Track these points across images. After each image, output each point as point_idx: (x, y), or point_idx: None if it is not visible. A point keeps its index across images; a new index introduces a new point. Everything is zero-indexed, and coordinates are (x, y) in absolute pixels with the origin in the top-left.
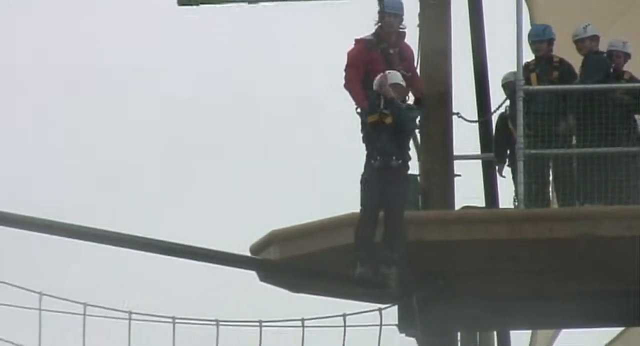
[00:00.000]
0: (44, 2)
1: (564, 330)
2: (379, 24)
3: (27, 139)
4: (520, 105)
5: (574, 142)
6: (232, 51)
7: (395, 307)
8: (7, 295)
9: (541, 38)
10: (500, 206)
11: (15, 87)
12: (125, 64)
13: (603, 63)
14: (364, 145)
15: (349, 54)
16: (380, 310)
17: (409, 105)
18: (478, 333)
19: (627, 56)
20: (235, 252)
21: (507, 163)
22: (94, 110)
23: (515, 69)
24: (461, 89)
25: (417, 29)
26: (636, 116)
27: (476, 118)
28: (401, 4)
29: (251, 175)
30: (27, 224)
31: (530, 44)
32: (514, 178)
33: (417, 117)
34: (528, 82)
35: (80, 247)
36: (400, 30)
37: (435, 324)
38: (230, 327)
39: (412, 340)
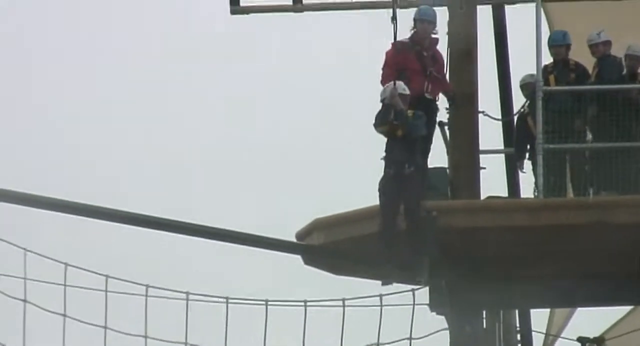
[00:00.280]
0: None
1: (579, 308)
2: (415, 29)
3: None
4: (539, 104)
5: (589, 137)
6: (281, 55)
7: (427, 288)
8: (34, 265)
9: (560, 43)
10: (522, 196)
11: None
12: (189, 67)
13: (618, 66)
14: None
15: (386, 54)
16: (413, 290)
17: (415, 113)
18: (501, 312)
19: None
20: (283, 238)
21: (527, 157)
22: (163, 107)
23: (533, 71)
24: (486, 90)
25: (447, 35)
26: None
27: (500, 117)
28: (434, 12)
29: (298, 168)
30: (76, 209)
31: (550, 48)
32: (534, 170)
33: (424, 123)
34: (547, 83)
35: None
36: (433, 36)
37: (463, 303)
38: (278, 307)
39: (442, 318)
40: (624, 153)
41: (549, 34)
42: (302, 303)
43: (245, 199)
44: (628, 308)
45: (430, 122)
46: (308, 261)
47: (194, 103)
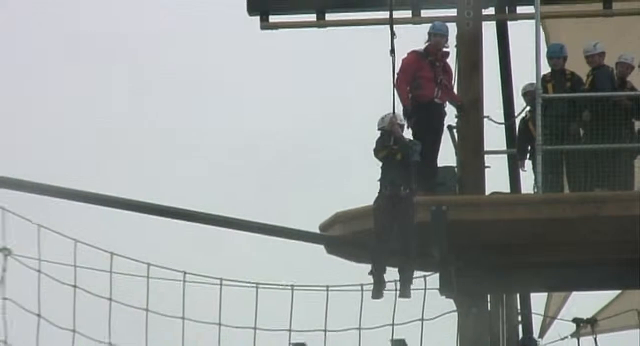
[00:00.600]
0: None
1: (574, 292)
2: (429, 42)
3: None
4: (538, 109)
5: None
6: (309, 69)
7: (437, 275)
8: (83, 253)
9: (558, 55)
10: (523, 192)
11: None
12: (226, 78)
13: (610, 74)
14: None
15: (402, 60)
16: (424, 276)
17: (411, 140)
18: (504, 296)
19: (631, 68)
20: (307, 229)
21: (528, 157)
22: (203, 112)
23: (533, 81)
24: (491, 97)
25: (455, 48)
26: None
27: (503, 121)
28: (447, 27)
29: (322, 167)
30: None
31: (548, 60)
32: (534, 169)
33: (419, 150)
34: (545, 91)
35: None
36: (445, 49)
37: (469, 288)
38: (303, 291)
39: (450, 301)
40: (614, 153)
41: (547, 46)
42: (325, 288)
43: (275, 195)
44: (618, 291)
45: (439, 125)
46: (330, 250)
47: (230, 107)
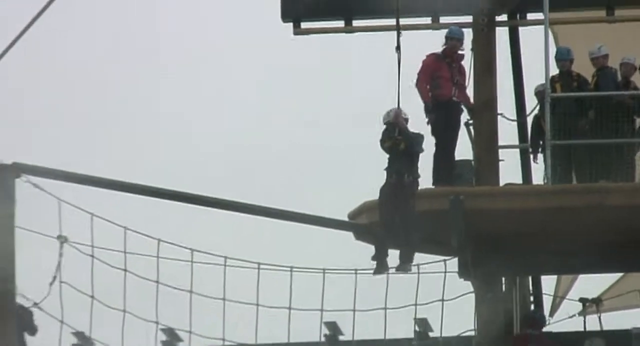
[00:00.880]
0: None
1: (581, 275)
2: (446, 45)
3: None
4: (548, 108)
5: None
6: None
7: (455, 259)
8: (132, 240)
9: (566, 58)
10: (534, 183)
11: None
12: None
13: (613, 75)
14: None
15: (423, 62)
16: (444, 261)
17: (416, 133)
18: (517, 278)
19: (634, 68)
20: (337, 218)
21: (539, 151)
22: (245, 110)
23: (543, 81)
24: (504, 96)
25: (471, 51)
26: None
27: (515, 118)
28: (462, 32)
29: (351, 161)
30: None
31: (557, 62)
32: (544, 162)
33: (423, 141)
34: (554, 90)
35: None
36: (460, 52)
37: (486, 271)
38: (334, 274)
39: (468, 283)
40: (617, 148)
41: (555, 50)
42: (353, 272)
43: (308, 186)
44: (621, 274)
45: (457, 121)
46: (358, 236)
47: (264, 104)
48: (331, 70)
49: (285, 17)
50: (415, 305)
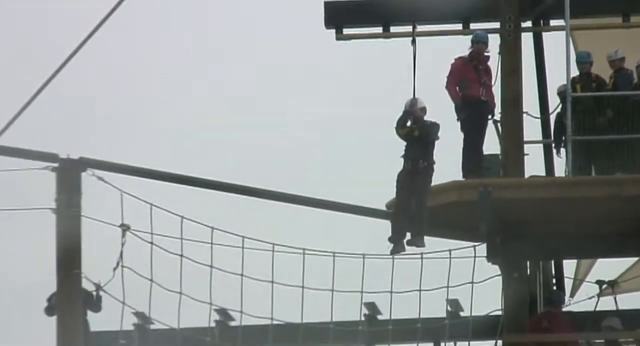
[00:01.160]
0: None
1: (599, 259)
2: (472, 48)
3: None
4: (569, 106)
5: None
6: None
7: (484, 245)
8: (188, 228)
9: (586, 61)
10: (556, 175)
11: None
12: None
13: (629, 76)
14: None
15: (451, 65)
16: (474, 246)
17: (432, 121)
18: (541, 262)
19: None
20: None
21: (562, 146)
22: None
23: (564, 82)
24: (529, 96)
25: (498, 55)
26: None
27: (539, 116)
28: (487, 35)
29: (387, 154)
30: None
31: (577, 64)
32: (566, 155)
33: (438, 130)
34: (575, 90)
35: None
36: (486, 54)
37: (512, 256)
38: (372, 259)
39: (496, 267)
40: (633, 143)
41: (575, 53)
42: (391, 257)
43: (348, 179)
44: (636, 258)
45: (485, 119)
46: None
47: (309, 102)
48: (370, 72)
49: (328, 24)
50: (447, 287)
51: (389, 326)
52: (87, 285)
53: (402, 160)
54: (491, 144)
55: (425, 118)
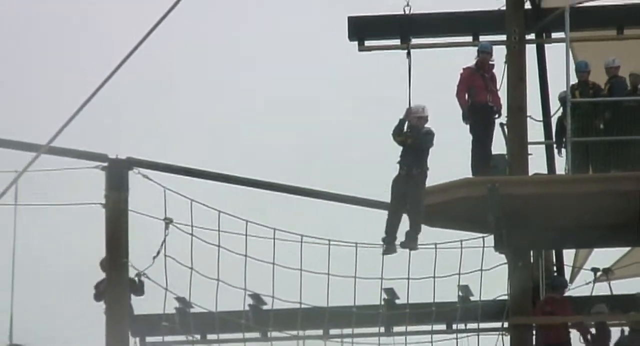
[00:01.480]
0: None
1: (595, 249)
2: (478, 58)
3: None
4: (568, 111)
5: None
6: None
7: (492, 236)
8: (224, 221)
9: (584, 70)
10: (557, 173)
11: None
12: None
13: (624, 83)
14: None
15: (460, 75)
16: (482, 237)
17: (427, 130)
18: (543, 251)
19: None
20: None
21: (562, 146)
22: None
23: (564, 89)
24: (532, 101)
25: (504, 64)
26: None
27: (542, 119)
28: (491, 46)
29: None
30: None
31: (576, 73)
32: (566, 155)
33: (432, 138)
34: (574, 96)
35: None
36: (491, 63)
37: (517, 246)
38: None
39: (502, 256)
40: (627, 143)
41: (574, 63)
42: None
43: (369, 175)
44: (629, 248)
45: (492, 122)
46: None
47: (335, 109)
48: (390, 81)
49: (351, 36)
50: (459, 274)
51: (406, 309)
52: (130, 273)
53: (397, 165)
54: (498, 145)
55: (427, 125)
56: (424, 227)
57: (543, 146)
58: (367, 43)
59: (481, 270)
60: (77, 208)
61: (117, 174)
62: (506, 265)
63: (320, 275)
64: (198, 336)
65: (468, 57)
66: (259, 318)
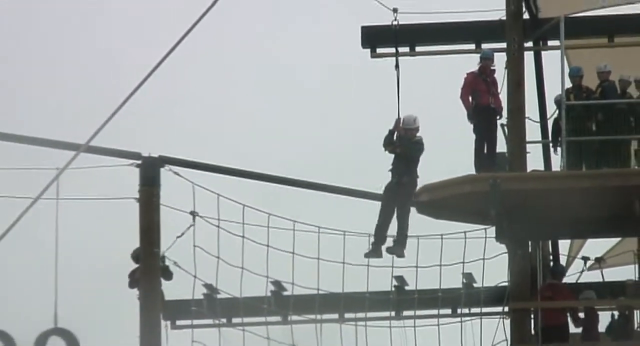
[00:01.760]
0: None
1: (589, 239)
2: (480, 64)
3: None
4: (563, 112)
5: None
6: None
7: (494, 227)
8: (248, 215)
9: (577, 75)
10: (553, 169)
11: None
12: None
13: (614, 87)
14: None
15: (464, 79)
16: (485, 229)
17: (415, 139)
18: (541, 241)
19: (629, 83)
20: None
21: (558, 145)
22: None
23: (561, 92)
24: (530, 103)
25: (505, 69)
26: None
27: (539, 120)
28: (492, 53)
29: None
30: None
31: (570, 78)
32: (561, 153)
33: (421, 147)
34: (568, 99)
35: None
36: (492, 68)
37: (516, 236)
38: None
39: (503, 246)
40: (616, 142)
41: (569, 68)
42: (416, 238)
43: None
44: (619, 238)
45: (495, 124)
46: (419, 211)
47: (347, 113)
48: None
49: (364, 44)
50: (463, 262)
51: (414, 295)
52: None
53: (389, 173)
54: (499, 144)
55: (418, 134)
56: (431, 219)
57: (540, 145)
58: (379, 50)
59: (483, 259)
60: (113, 203)
61: (150, 171)
62: (506, 255)
63: (336, 264)
64: (224, 320)
65: (471, 63)
66: (280, 303)
